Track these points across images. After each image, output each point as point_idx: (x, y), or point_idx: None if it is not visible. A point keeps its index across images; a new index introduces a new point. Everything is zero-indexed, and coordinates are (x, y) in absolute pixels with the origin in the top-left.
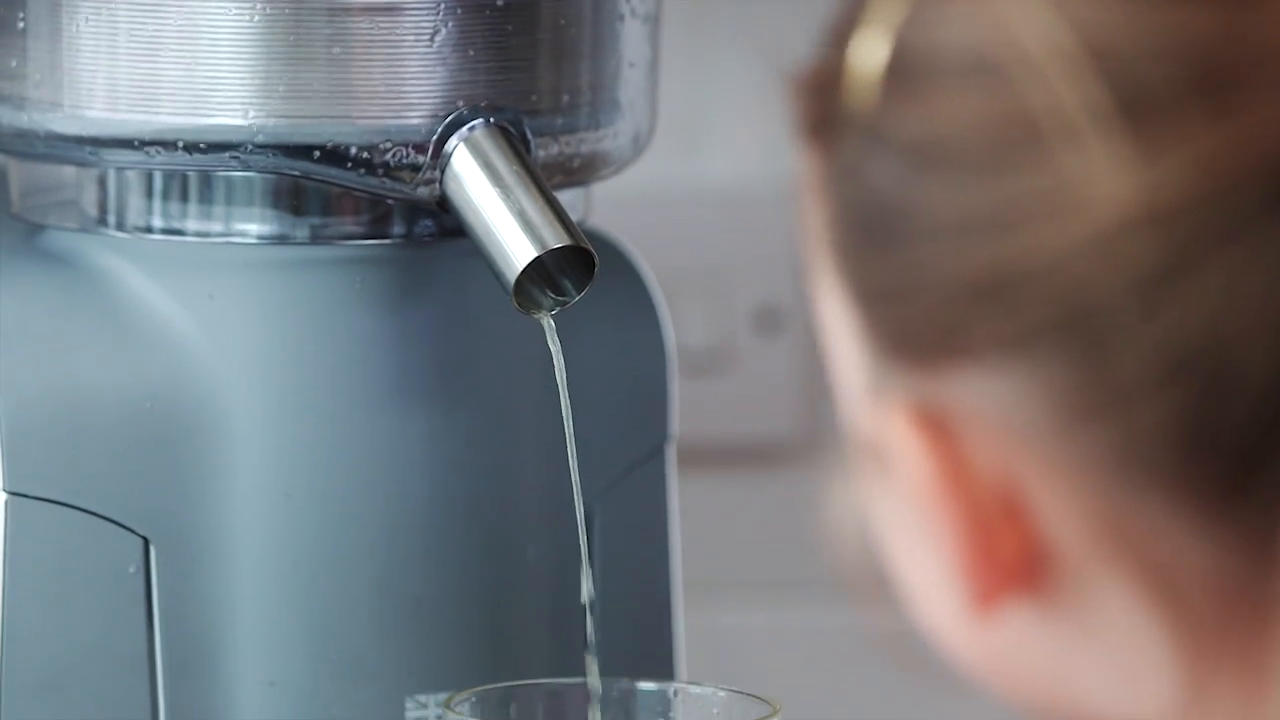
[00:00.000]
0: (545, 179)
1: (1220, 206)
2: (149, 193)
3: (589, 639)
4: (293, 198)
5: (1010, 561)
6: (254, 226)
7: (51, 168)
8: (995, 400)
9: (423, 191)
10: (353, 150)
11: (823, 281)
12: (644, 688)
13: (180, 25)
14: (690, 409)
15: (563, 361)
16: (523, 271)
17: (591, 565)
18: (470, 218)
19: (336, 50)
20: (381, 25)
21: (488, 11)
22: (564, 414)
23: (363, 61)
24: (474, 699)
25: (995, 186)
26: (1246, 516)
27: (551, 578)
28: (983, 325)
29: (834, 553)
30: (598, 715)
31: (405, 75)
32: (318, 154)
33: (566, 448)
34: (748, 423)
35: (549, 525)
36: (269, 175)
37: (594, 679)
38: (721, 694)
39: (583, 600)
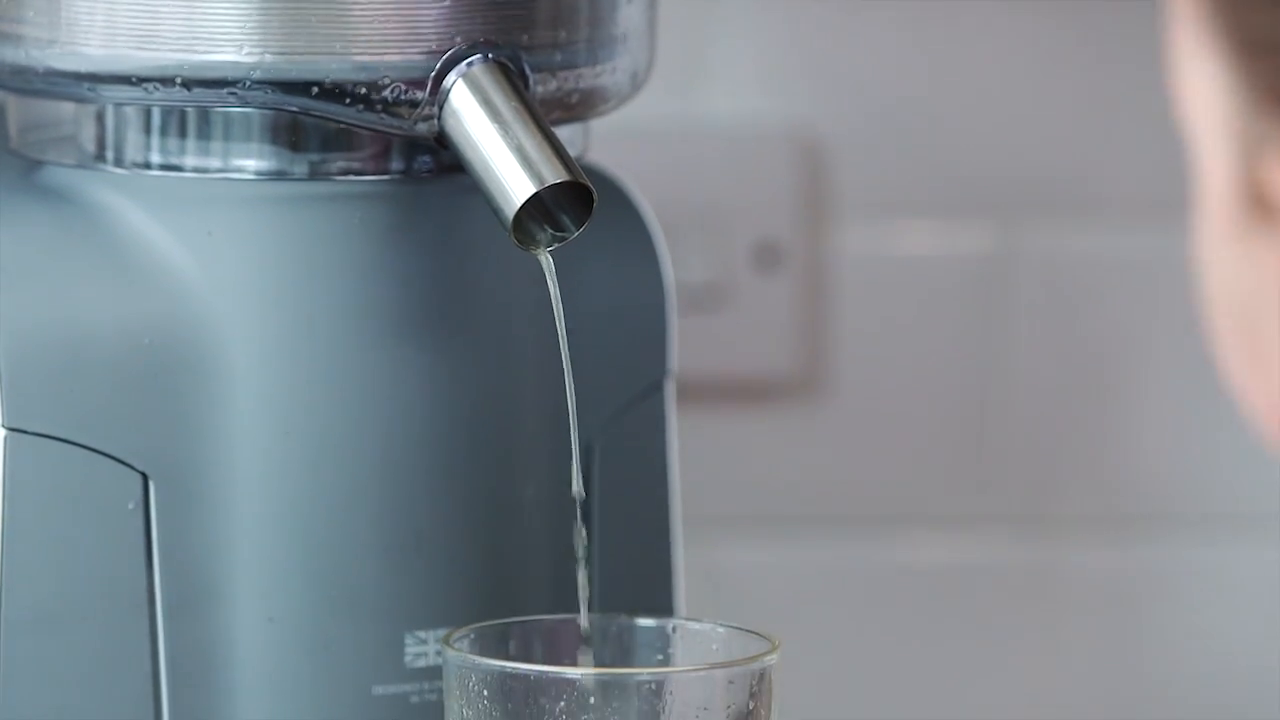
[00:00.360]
0: (543, 115)
1: None
2: (147, 129)
3: (580, 579)
4: (291, 133)
5: None
6: (252, 162)
7: (50, 103)
8: None
9: (421, 128)
10: (351, 86)
11: (1188, 42)
12: (643, 624)
13: None
14: (689, 345)
15: (560, 298)
16: (521, 207)
17: (590, 501)
18: (469, 154)
19: None
20: None
21: None
22: (561, 351)
23: None
24: (473, 635)
25: None
26: None
27: (552, 513)
28: None
29: (1203, 316)
30: (589, 656)
31: (403, 11)
32: (316, 90)
33: (565, 384)
34: (747, 359)
35: (549, 460)
36: (267, 111)
37: (584, 602)
38: (721, 630)
39: (575, 542)
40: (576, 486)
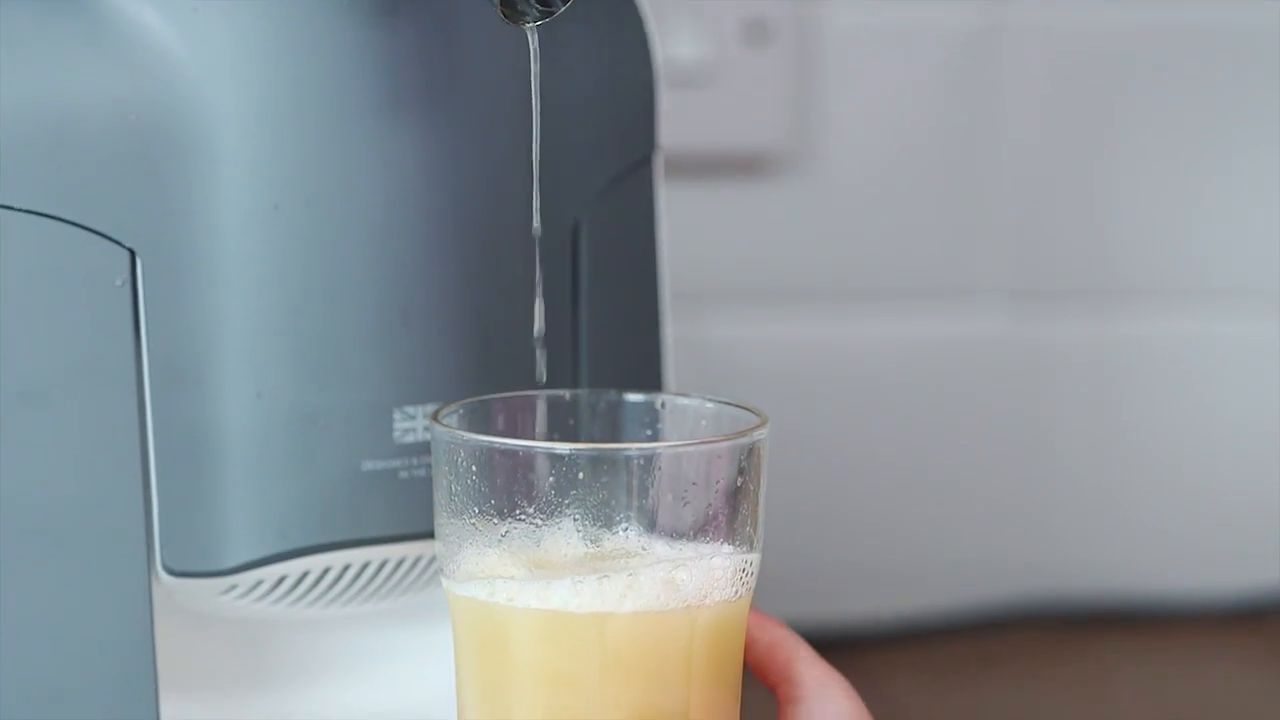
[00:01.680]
0: None
1: None
2: None
3: (536, 330)
4: None
5: None
6: None
7: None
8: None
9: None
10: None
11: None
12: (631, 399)
13: None
14: (678, 120)
15: (542, 74)
16: None
17: (578, 276)
18: None
19: None
20: None
21: None
22: (534, 127)
23: None
24: (461, 410)
25: None
26: None
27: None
28: None
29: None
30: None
31: None
32: None
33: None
34: (736, 134)
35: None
36: None
37: (541, 370)
38: (709, 405)
39: (535, 329)
40: (536, 224)
